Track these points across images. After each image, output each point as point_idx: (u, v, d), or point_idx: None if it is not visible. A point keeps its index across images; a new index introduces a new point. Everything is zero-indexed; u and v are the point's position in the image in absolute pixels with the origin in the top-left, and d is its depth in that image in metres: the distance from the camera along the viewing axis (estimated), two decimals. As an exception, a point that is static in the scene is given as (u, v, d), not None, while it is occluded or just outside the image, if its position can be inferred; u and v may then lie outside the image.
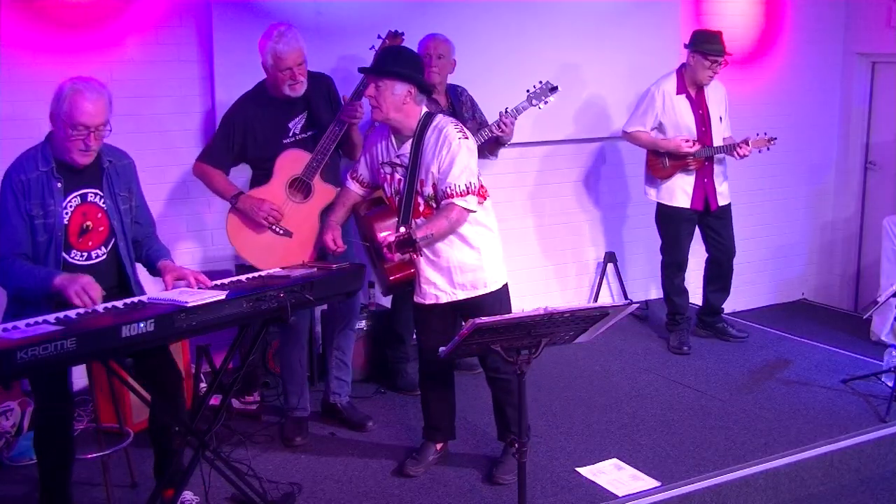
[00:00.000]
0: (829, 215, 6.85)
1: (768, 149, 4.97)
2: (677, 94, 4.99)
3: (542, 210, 5.72)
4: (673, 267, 5.29)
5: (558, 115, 5.37)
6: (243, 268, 4.49)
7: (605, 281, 5.95)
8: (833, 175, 6.80)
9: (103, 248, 3.21)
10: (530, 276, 5.68)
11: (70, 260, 3.13)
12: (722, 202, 5.11)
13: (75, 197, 3.14)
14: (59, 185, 3.09)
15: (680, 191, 5.07)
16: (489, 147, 4.42)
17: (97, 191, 3.18)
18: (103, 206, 3.19)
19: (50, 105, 3.06)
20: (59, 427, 3.17)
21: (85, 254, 3.17)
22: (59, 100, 3.03)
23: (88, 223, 3.16)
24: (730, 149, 4.94)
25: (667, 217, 5.18)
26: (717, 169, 5.06)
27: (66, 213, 3.11)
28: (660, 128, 5.05)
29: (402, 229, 3.33)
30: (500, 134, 4.34)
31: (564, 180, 5.78)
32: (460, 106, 4.53)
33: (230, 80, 4.50)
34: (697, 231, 5.27)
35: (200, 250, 4.80)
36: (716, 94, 5.05)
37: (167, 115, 4.58)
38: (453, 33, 4.57)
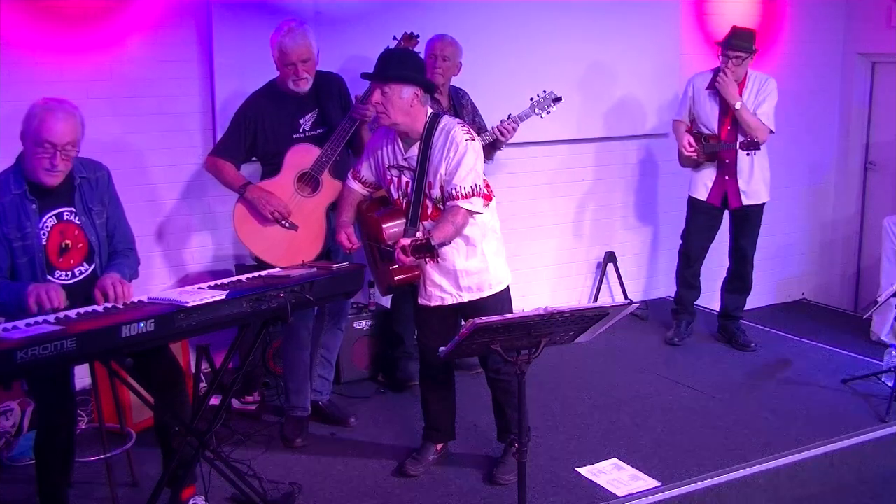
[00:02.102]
0: (829, 215, 6.85)
1: (755, 152, 4.89)
2: (706, 88, 5.01)
3: (542, 210, 5.72)
4: (683, 256, 5.34)
5: (558, 116, 5.33)
6: (243, 268, 4.50)
7: (605, 281, 5.95)
8: (833, 175, 6.80)
9: (86, 265, 3.21)
10: (530, 276, 5.67)
11: (56, 281, 3.12)
12: (747, 202, 5.05)
13: (51, 217, 3.13)
14: (34, 206, 3.08)
15: (701, 183, 5.13)
16: (485, 150, 4.42)
17: (71, 209, 3.17)
18: (78, 223, 3.18)
19: (21, 123, 3.06)
20: (63, 429, 3.16)
21: (69, 273, 3.16)
22: (30, 117, 3.03)
23: (67, 242, 3.15)
24: (724, 147, 4.93)
25: (689, 205, 5.24)
26: (743, 167, 5.00)
27: (44, 234, 3.10)
28: (695, 119, 5.11)
29: (419, 234, 3.29)
30: (500, 138, 4.36)
31: (564, 180, 5.77)
32: (461, 109, 4.54)
33: (230, 80, 4.50)
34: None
35: (201, 249, 4.80)
36: (755, 95, 4.95)
37: (167, 114, 4.58)
38: (453, 34, 4.57)
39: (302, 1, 4.68)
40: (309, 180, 3.91)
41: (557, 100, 4.43)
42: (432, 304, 3.60)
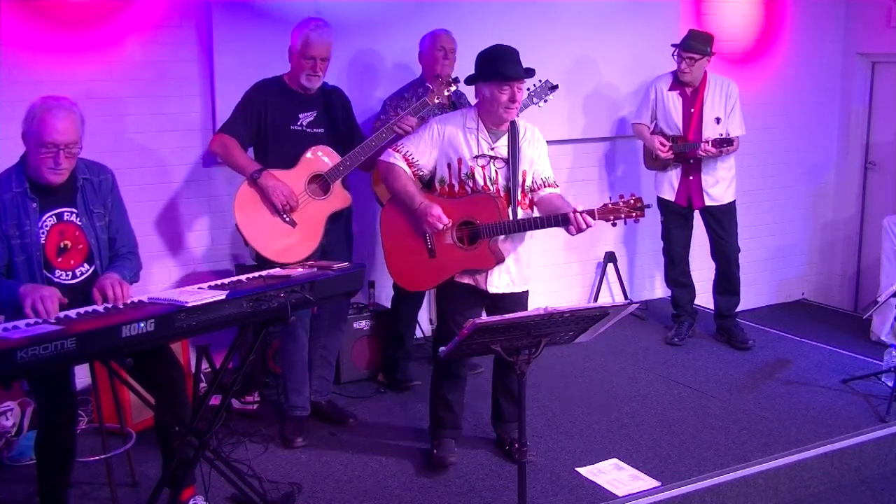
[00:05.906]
0: (829, 215, 6.85)
1: (728, 147, 4.92)
2: (669, 90, 5.10)
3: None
4: (666, 257, 5.41)
5: (558, 115, 5.37)
6: (243, 267, 4.51)
7: (605, 281, 5.95)
8: (833, 175, 6.80)
9: (86, 266, 3.20)
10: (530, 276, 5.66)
11: (56, 280, 3.12)
12: (710, 203, 5.13)
13: (50, 216, 3.13)
14: (35, 205, 3.08)
15: (667, 183, 5.22)
16: None
17: (72, 209, 3.17)
18: (79, 224, 3.18)
19: (22, 124, 3.06)
20: (63, 429, 3.16)
21: (69, 273, 3.16)
22: (29, 118, 3.03)
23: (66, 242, 3.15)
24: (693, 147, 4.99)
25: (660, 207, 5.29)
26: (707, 168, 5.07)
27: (43, 233, 3.10)
28: (657, 122, 5.17)
29: (628, 196, 3.50)
30: None
31: (564, 180, 5.76)
32: (460, 106, 4.53)
33: (230, 80, 4.50)
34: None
35: (201, 249, 4.80)
36: (719, 95, 5.04)
37: (167, 115, 4.58)
38: (453, 31, 4.58)
39: (302, 1, 4.68)
40: (321, 184, 3.93)
41: (553, 88, 4.43)
42: (500, 291, 3.70)
